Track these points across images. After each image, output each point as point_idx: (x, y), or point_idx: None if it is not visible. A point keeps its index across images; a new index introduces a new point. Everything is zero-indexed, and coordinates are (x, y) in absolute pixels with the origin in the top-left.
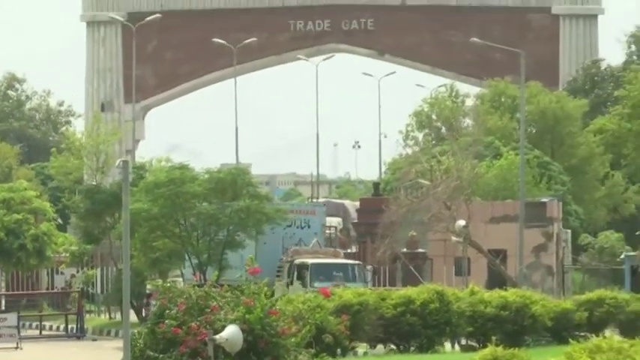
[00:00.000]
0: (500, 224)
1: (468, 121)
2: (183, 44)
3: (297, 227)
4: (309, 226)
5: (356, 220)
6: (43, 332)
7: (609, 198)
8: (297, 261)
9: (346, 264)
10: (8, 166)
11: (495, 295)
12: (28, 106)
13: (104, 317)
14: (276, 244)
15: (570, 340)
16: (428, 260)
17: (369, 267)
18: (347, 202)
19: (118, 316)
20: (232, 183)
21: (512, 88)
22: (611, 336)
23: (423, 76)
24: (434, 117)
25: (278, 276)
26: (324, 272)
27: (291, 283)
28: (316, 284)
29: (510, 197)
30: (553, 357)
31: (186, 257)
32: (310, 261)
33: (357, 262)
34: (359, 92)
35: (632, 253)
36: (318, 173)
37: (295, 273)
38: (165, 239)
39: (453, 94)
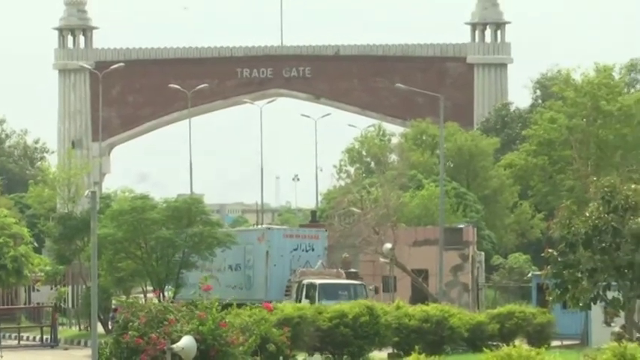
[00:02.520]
0: (423, 247)
1: (393, 157)
2: (143, 89)
3: (303, 250)
4: (313, 249)
5: None
6: (21, 342)
7: (518, 224)
8: (306, 281)
9: (350, 284)
10: None
11: (418, 309)
12: (7, 143)
13: (75, 329)
14: (284, 266)
15: (484, 348)
16: (359, 279)
17: (371, 287)
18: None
19: (87, 328)
20: (187, 211)
21: (432, 128)
22: (520, 345)
23: (354, 117)
24: (364, 153)
25: (287, 294)
26: (331, 291)
27: (300, 301)
28: (324, 302)
29: (431, 223)
30: None
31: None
32: (318, 281)
33: (359, 282)
34: (298, 131)
35: (538, 273)
36: (262, 202)
37: (304, 292)
38: (129, 260)
39: (381, 133)
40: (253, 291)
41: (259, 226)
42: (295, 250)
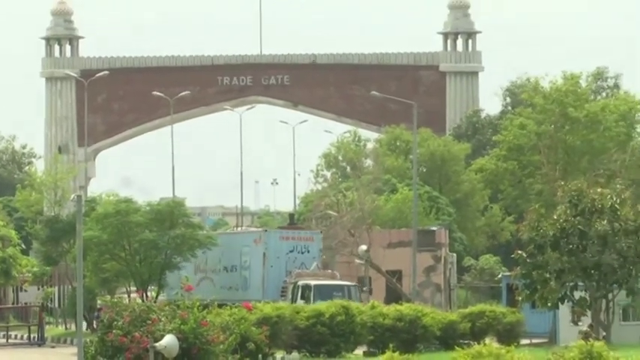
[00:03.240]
0: (397, 249)
1: (368, 162)
2: (127, 96)
3: (299, 252)
4: (308, 251)
5: None
6: (10, 340)
7: (488, 227)
8: (301, 282)
9: (344, 285)
10: None
11: (392, 308)
12: None
13: (61, 328)
14: (281, 267)
15: (456, 347)
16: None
17: (365, 288)
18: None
19: (73, 327)
20: (170, 214)
21: (406, 134)
22: (491, 343)
23: (331, 124)
24: (340, 158)
25: (283, 295)
26: (325, 292)
27: (295, 301)
28: (319, 303)
29: (405, 226)
30: None
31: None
32: (313, 282)
33: (353, 283)
34: (276, 137)
35: (507, 273)
36: (242, 206)
37: (299, 293)
38: (113, 262)
39: (356, 138)
40: (250, 292)
41: (256, 229)
42: (291, 251)
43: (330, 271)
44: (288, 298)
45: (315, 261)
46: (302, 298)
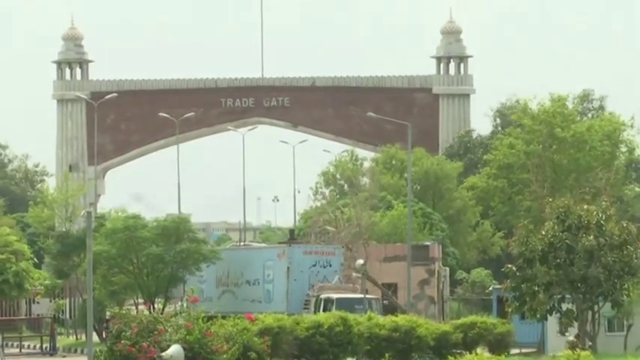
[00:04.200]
0: (392, 263)
1: (365, 180)
2: (135, 117)
3: (321, 266)
4: (330, 265)
5: None
6: (23, 350)
7: (479, 242)
8: (323, 295)
9: (365, 298)
10: None
11: (388, 320)
12: (10, 167)
13: (72, 338)
14: (304, 280)
15: (449, 356)
16: None
17: (385, 301)
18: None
19: (84, 337)
20: (176, 229)
21: (401, 153)
22: (482, 353)
23: (329, 143)
24: (338, 176)
25: (305, 308)
26: (347, 305)
27: (318, 314)
28: None
29: (400, 241)
30: None
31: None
32: (335, 296)
33: (374, 296)
34: (277, 156)
35: (498, 286)
36: (244, 221)
37: (322, 306)
38: (122, 275)
39: (353, 157)
40: (273, 304)
41: (280, 244)
42: (314, 266)
43: (351, 284)
44: (310, 311)
45: (336, 275)
46: (324, 310)
